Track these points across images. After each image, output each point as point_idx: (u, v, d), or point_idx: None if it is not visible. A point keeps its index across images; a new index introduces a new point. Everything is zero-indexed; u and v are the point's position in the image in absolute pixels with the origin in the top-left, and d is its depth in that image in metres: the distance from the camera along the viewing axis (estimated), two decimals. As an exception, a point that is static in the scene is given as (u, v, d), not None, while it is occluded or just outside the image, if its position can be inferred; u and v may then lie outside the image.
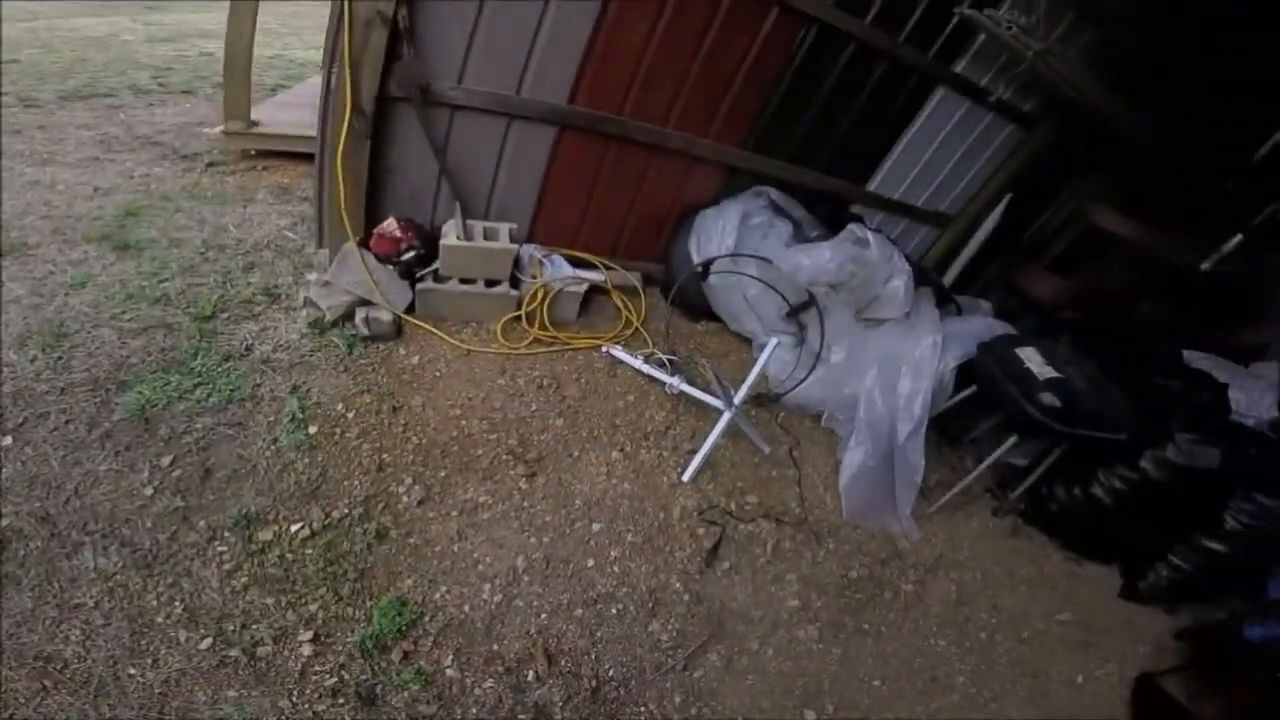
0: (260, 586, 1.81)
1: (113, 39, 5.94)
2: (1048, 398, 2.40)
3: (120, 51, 5.60)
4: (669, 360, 2.85)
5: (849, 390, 2.79)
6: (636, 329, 3.07)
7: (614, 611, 2.02)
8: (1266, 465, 2.44)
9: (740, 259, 2.96)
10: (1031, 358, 2.59)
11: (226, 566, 1.83)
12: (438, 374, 2.57)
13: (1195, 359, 2.87)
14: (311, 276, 2.69)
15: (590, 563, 2.13)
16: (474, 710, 1.73)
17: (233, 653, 1.67)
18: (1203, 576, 2.53)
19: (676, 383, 2.64)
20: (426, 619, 1.87)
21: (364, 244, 2.61)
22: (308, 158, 3.27)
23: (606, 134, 2.81)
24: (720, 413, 2.52)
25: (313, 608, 1.81)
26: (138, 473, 1.96)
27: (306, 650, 1.72)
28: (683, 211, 3.25)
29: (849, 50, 2.93)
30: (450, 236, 2.65)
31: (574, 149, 2.82)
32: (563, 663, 1.87)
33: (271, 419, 2.22)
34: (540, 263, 2.91)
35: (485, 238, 2.75)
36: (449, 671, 1.78)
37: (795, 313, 2.95)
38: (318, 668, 1.70)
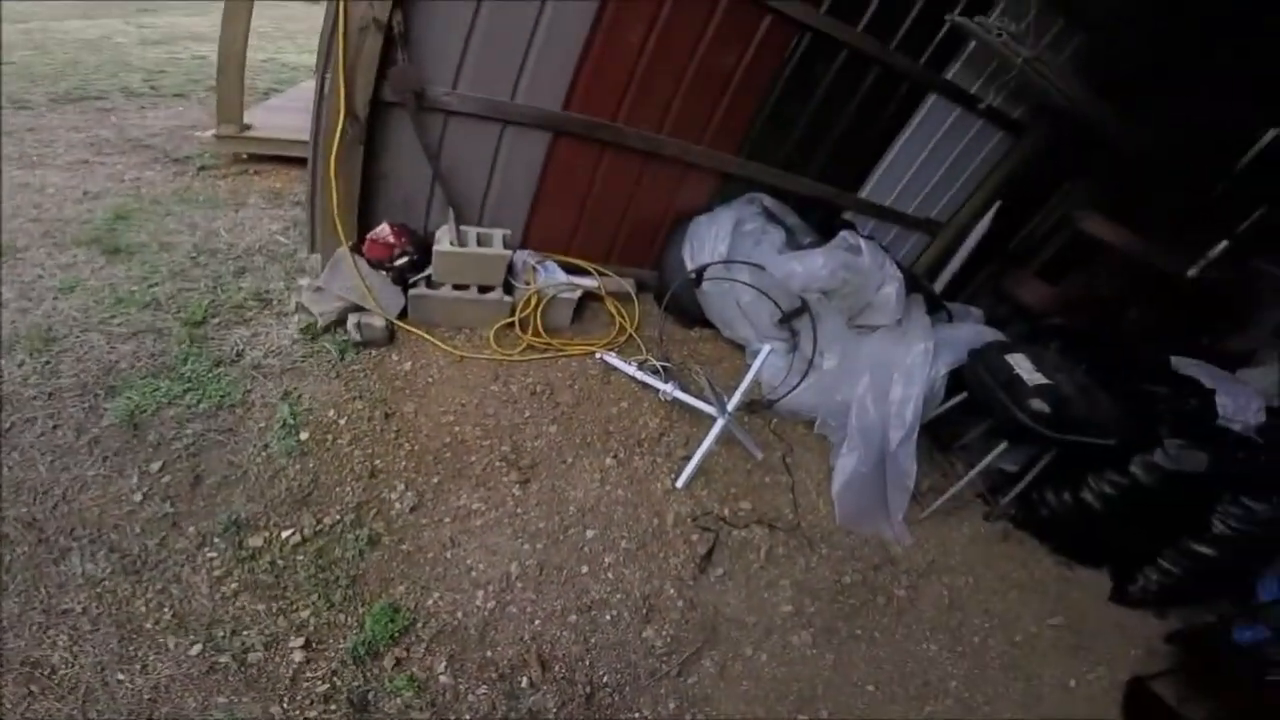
0: (251, 592, 1.80)
1: (105, 41, 5.91)
2: (1037, 404, 2.42)
3: (112, 54, 5.58)
4: (663, 367, 2.86)
5: (841, 397, 2.81)
6: (630, 335, 3.08)
7: (608, 618, 2.02)
8: (1253, 469, 2.47)
9: (733, 266, 2.97)
10: (1021, 364, 2.62)
11: (216, 572, 1.81)
12: (430, 380, 2.56)
13: (1183, 365, 2.90)
14: (303, 282, 2.67)
15: (584, 569, 2.12)
16: (467, 717, 1.72)
17: (223, 659, 1.65)
18: (1192, 580, 2.56)
19: (670, 389, 2.65)
20: (419, 625, 1.86)
21: (357, 249, 2.61)
22: (300, 162, 3.25)
23: (601, 140, 2.82)
24: (714, 419, 2.53)
25: (304, 614, 1.79)
26: (126, 478, 1.94)
27: (298, 656, 1.70)
28: (676, 218, 3.26)
29: (841, 57, 2.96)
30: (444, 242, 2.64)
31: (568, 155, 2.82)
32: (557, 669, 1.87)
33: (263, 425, 2.20)
34: (534, 269, 2.91)
35: (479, 243, 2.74)
36: (442, 678, 1.77)
37: (788, 319, 2.97)
38: (309, 674, 1.69)
